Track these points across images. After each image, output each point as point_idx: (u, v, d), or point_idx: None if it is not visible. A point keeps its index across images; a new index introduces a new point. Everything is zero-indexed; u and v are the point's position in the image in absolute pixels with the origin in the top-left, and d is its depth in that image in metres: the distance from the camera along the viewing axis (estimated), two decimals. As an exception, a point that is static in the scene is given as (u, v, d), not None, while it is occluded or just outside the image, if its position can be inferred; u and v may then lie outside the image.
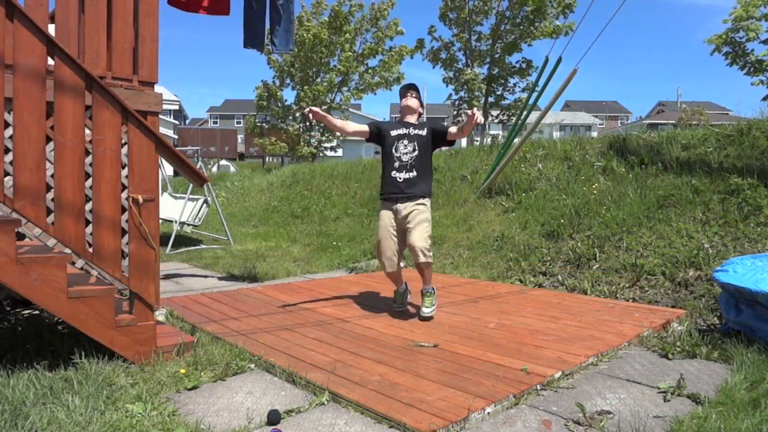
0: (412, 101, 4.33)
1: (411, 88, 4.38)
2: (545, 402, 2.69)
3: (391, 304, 4.69)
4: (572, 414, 2.53)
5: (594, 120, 59.77)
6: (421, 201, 4.16)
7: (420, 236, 4.03)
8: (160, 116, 3.65)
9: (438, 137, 4.28)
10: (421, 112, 4.44)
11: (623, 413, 2.53)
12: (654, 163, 7.45)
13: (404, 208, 4.13)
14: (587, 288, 5.22)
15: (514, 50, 23.03)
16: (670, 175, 6.91)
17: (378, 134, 4.32)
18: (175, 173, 15.64)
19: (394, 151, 4.22)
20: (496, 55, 23.43)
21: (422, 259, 4.05)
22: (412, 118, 4.36)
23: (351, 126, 4.34)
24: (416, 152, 4.19)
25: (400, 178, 4.17)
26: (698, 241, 5.24)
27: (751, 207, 5.50)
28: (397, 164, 4.20)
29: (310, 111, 4.00)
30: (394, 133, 4.27)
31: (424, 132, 4.25)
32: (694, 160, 7.10)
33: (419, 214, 4.10)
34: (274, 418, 2.42)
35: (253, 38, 5.69)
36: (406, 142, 4.20)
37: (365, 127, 4.33)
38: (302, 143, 23.08)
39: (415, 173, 4.17)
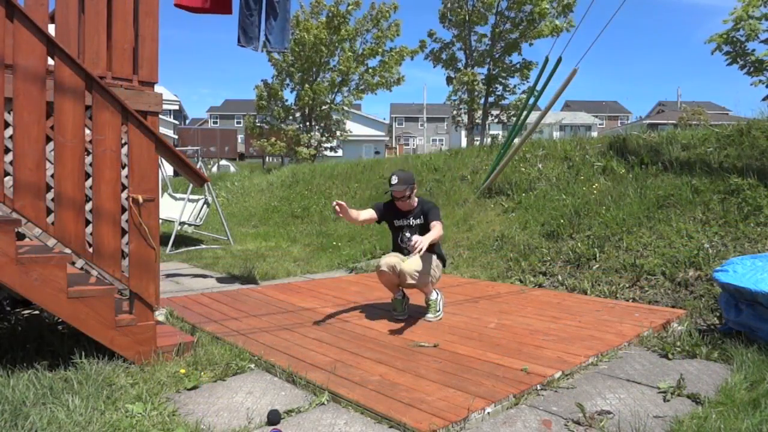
0: (401, 204, 4.33)
1: (395, 185, 4.25)
2: (545, 402, 2.69)
3: (389, 303, 4.70)
4: (572, 414, 2.53)
5: (594, 120, 59.76)
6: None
7: (412, 265, 4.10)
8: (160, 116, 3.65)
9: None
10: (409, 194, 4.32)
11: (623, 413, 2.53)
12: (654, 163, 7.45)
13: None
14: (587, 288, 5.22)
15: (514, 50, 23.02)
16: (670, 175, 6.91)
17: (383, 217, 4.45)
18: (176, 173, 15.65)
19: (399, 241, 4.44)
20: (496, 55, 23.42)
21: (408, 281, 4.11)
22: (407, 207, 4.38)
23: (362, 215, 4.37)
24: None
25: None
26: (698, 241, 5.24)
27: (751, 207, 5.50)
28: (405, 252, 4.34)
29: (337, 204, 4.00)
30: (396, 223, 4.45)
31: (420, 220, 4.38)
32: (694, 160, 7.10)
33: (423, 257, 4.15)
34: (274, 418, 2.43)
35: (247, 36, 5.69)
36: (408, 234, 4.36)
37: (373, 213, 4.41)
38: (302, 144, 23.07)
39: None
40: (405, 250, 4.34)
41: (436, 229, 4.09)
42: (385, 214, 4.44)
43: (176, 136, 35.37)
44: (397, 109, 66.02)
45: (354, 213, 4.28)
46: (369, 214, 4.41)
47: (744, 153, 6.80)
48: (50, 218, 2.93)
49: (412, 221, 4.40)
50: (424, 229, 4.27)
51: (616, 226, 6.09)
